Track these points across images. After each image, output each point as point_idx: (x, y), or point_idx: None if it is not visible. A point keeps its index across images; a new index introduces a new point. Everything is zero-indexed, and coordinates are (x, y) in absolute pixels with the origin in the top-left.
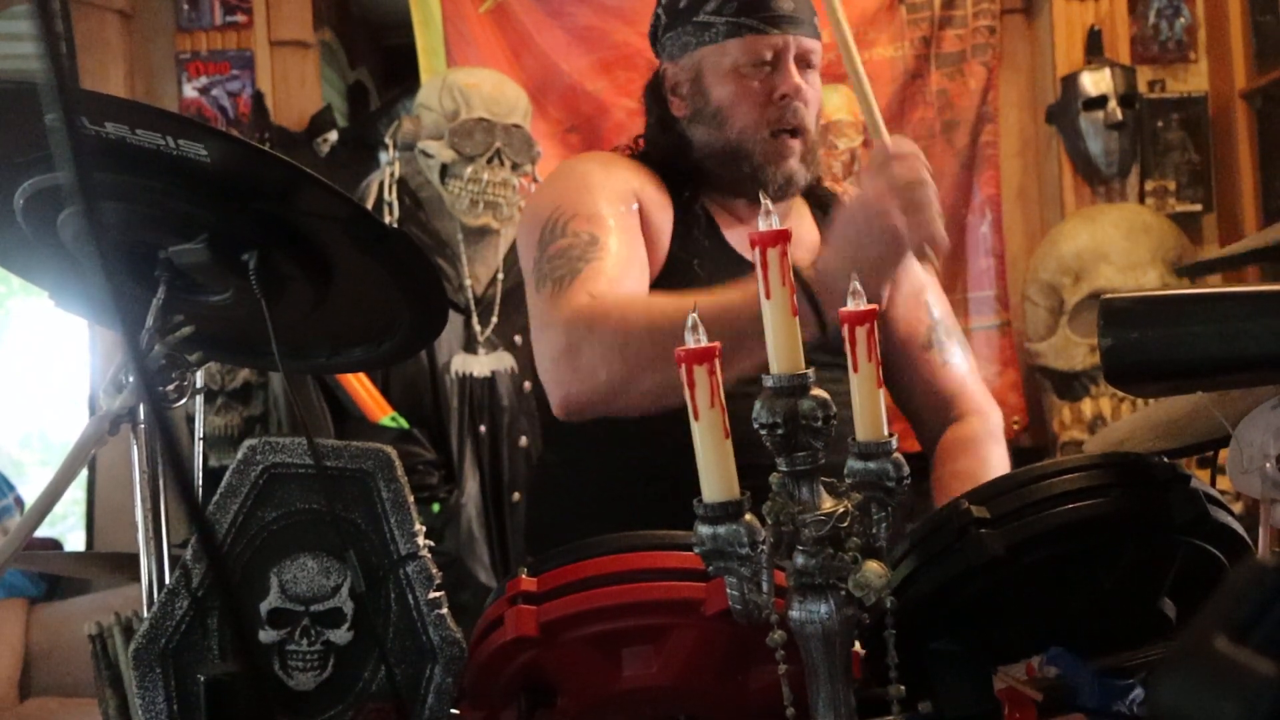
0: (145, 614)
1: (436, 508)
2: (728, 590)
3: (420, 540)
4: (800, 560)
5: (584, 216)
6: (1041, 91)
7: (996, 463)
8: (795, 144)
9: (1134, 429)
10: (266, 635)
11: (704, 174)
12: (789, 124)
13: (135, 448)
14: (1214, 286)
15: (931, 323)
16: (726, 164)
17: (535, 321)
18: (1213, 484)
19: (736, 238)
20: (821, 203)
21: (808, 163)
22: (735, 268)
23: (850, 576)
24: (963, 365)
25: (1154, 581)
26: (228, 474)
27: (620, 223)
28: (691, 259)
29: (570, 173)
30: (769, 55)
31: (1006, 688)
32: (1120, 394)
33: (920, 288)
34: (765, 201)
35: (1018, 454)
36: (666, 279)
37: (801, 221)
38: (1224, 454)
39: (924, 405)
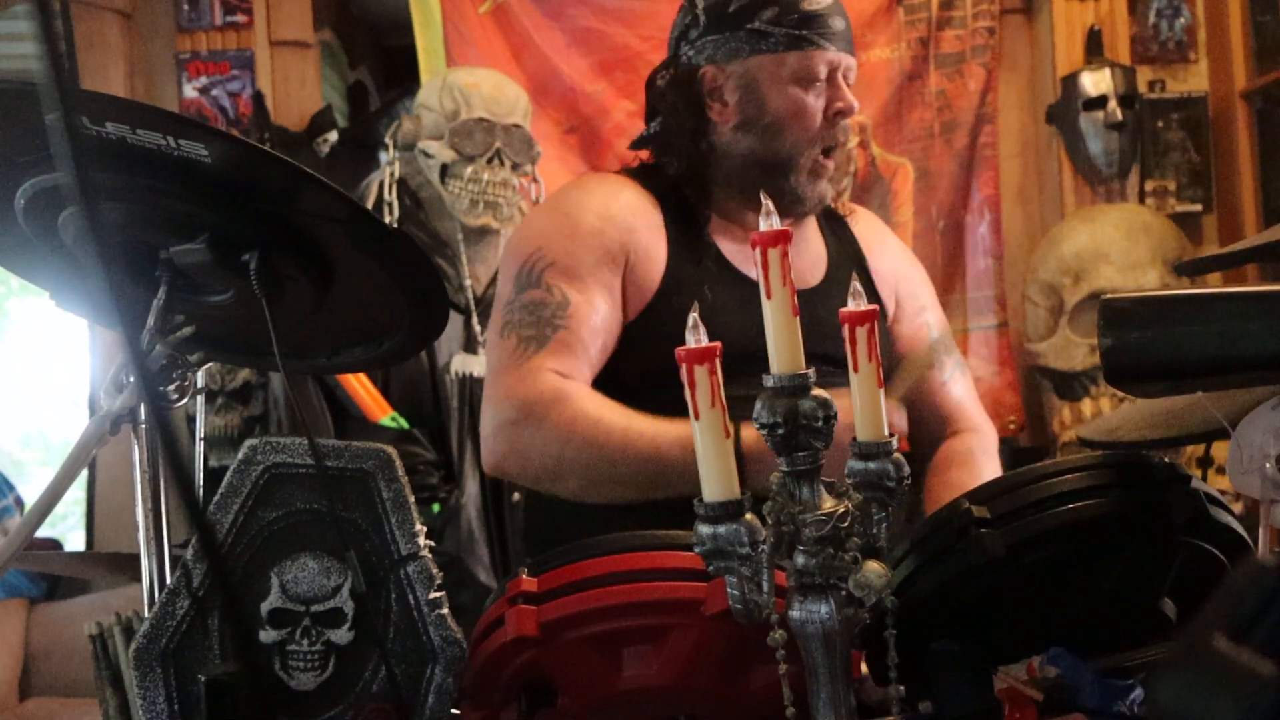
0: (146, 614)
1: (436, 508)
2: (728, 590)
3: (421, 540)
4: (801, 560)
5: (561, 269)
6: (1041, 91)
7: (988, 477)
8: (829, 163)
9: (1126, 418)
10: (267, 635)
11: (726, 183)
12: (836, 141)
13: (136, 448)
14: (1214, 286)
15: (932, 341)
16: (769, 175)
17: (491, 364)
18: (1204, 479)
19: (741, 257)
20: (829, 214)
21: (834, 180)
22: (743, 289)
23: (850, 576)
24: (962, 384)
25: (1154, 581)
26: (229, 474)
27: (597, 284)
28: (701, 284)
29: (566, 209)
30: (824, 72)
31: (1006, 688)
32: (1120, 394)
33: (922, 307)
34: (766, 202)
35: (1017, 454)
36: (672, 302)
37: (812, 235)
38: (1219, 449)
39: (922, 419)
